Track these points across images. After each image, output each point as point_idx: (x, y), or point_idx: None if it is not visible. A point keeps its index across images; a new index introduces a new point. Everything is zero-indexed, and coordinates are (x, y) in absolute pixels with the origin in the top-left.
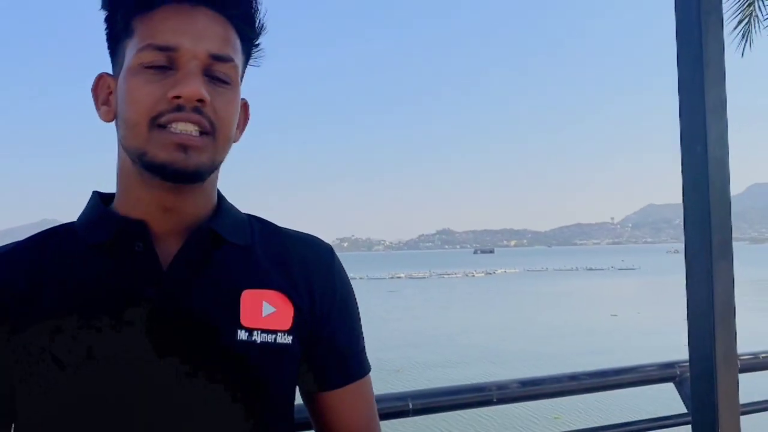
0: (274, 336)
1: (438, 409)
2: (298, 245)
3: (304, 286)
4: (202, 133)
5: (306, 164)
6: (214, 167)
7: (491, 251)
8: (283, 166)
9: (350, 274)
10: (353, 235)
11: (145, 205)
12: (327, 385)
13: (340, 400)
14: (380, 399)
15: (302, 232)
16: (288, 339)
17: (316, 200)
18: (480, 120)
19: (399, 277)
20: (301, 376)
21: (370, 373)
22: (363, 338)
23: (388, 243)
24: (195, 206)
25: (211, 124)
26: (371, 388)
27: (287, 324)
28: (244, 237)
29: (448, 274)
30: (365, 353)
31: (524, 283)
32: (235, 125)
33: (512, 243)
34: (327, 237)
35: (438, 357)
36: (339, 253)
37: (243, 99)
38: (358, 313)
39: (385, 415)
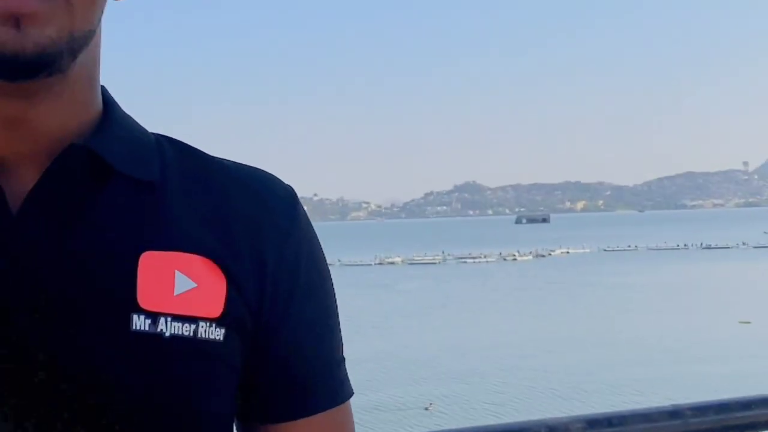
0: (193, 327)
1: None
2: (242, 187)
3: (247, 252)
4: None
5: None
6: (74, 45)
7: (544, 219)
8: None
9: None
10: (315, 195)
11: None
12: (281, 413)
13: None
14: None
15: (249, 166)
16: (218, 333)
17: (256, 141)
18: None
19: (393, 263)
20: (242, 397)
21: (351, 400)
22: (341, 344)
23: (374, 206)
24: (58, 116)
25: None
26: (351, 423)
27: (216, 309)
28: (147, 167)
29: (475, 258)
30: (344, 367)
31: (600, 272)
32: None
33: (579, 205)
34: None
35: (478, 392)
36: None
37: None
38: (335, 304)
39: None
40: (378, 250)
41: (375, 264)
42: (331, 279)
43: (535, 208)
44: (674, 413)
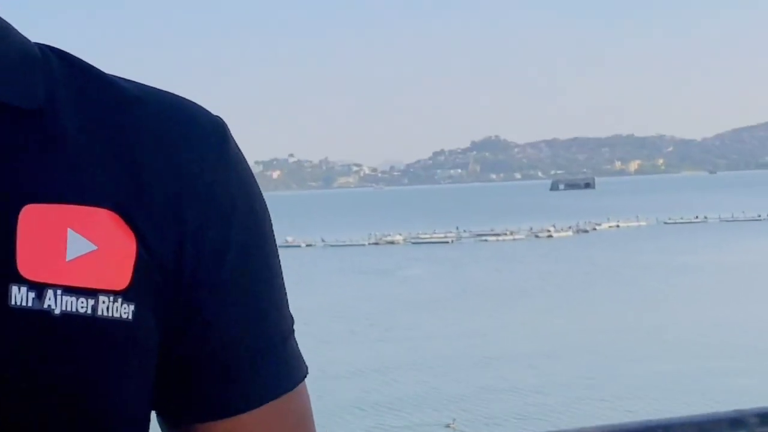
0: (92, 302)
1: None
2: (156, 118)
3: (163, 203)
4: None
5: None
6: None
7: (588, 184)
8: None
9: (287, 237)
10: (291, 156)
11: None
12: (212, 409)
13: None
14: None
15: (165, 93)
16: (125, 310)
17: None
18: None
19: (392, 242)
20: (158, 391)
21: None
22: (287, 315)
23: (367, 170)
24: None
25: None
26: (304, 408)
27: (122, 279)
28: (29, 90)
29: (498, 235)
30: (292, 343)
31: (660, 251)
32: None
33: (632, 165)
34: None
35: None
36: (266, 193)
37: None
38: (278, 266)
39: None
40: (373, 225)
41: (369, 244)
42: (273, 236)
43: (575, 169)
44: (737, 420)
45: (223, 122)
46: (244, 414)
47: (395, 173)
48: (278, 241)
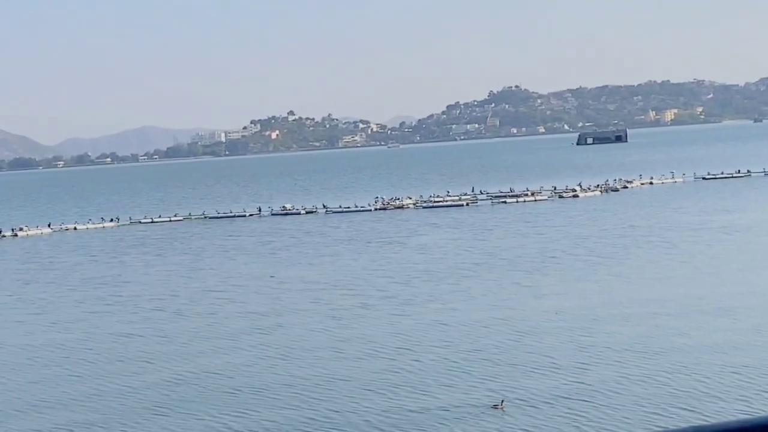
0: None
1: None
2: None
3: None
4: None
5: None
6: None
7: (618, 137)
8: None
9: (285, 204)
10: (291, 114)
11: None
12: None
13: None
14: None
15: None
16: None
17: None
18: None
19: (402, 207)
20: None
21: None
22: None
23: (375, 127)
24: None
25: None
26: None
27: None
28: None
29: (519, 196)
30: None
31: (699, 210)
32: None
33: (668, 115)
34: (238, 119)
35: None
36: (263, 154)
37: None
38: None
39: None
40: (380, 188)
41: (376, 209)
42: None
43: (605, 121)
44: None
45: None
46: None
47: (406, 130)
48: (275, 208)
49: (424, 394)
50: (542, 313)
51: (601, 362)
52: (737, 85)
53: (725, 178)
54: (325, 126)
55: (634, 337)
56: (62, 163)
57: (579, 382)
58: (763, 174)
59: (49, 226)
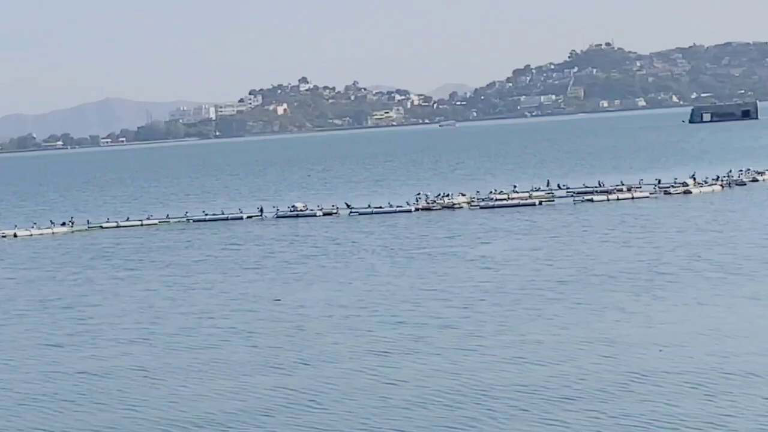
0: None
1: None
2: None
3: None
4: None
5: None
6: None
7: (746, 112)
8: None
9: (295, 203)
10: (305, 82)
11: None
12: None
13: None
14: None
15: None
16: None
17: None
18: None
19: (453, 206)
20: None
21: None
22: None
23: (416, 100)
24: None
25: None
26: None
27: None
28: None
29: (610, 192)
30: None
31: None
32: None
33: None
34: (232, 90)
35: None
36: (265, 136)
37: None
38: None
39: None
40: (422, 182)
41: (418, 209)
42: None
43: (728, 91)
44: None
45: None
46: None
47: (457, 103)
48: (282, 209)
49: None
50: (652, 348)
51: (738, 417)
52: None
53: None
54: (349, 98)
55: None
56: None
57: None
58: None
59: None
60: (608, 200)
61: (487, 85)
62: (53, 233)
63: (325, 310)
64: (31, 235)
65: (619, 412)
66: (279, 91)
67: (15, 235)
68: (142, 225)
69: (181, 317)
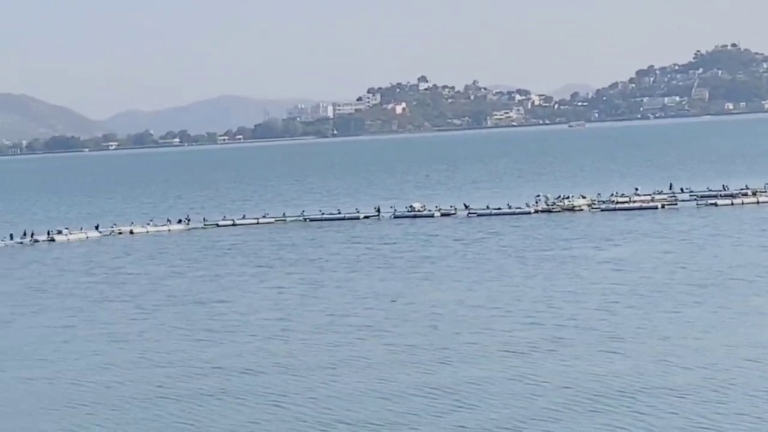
0: None
1: None
2: None
3: None
4: None
5: None
6: None
7: None
8: None
9: (413, 203)
10: (424, 81)
11: None
12: None
13: None
14: None
15: None
16: None
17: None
18: None
19: (573, 209)
20: None
21: None
22: None
23: (537, 100)
24: None
25: None
26: None
27: None
28: None
29: (735, 197)
30: None
31: None
32: None
33: None
34: (351, 88)
35: None
36: (383, 135)
37: None
38: None
39: None
40: (542, 183)
41: (537, 211)
42: None
43: None
44: None
45: None
46: None
47: (579, 104)
48: (399, 209)
49: None
50: None
51: None
52: None
53: None
54: (469, 97)
55: None
56: (115, 143)
57: None
58: None
59: (96, 228)
60: (732, 204)
61: (610, 86)
62: (169, 230)
63: (458, 310)
64: (148, 232)
65: None
66: (398, 90)
67: (131, 232)
68: (258, 223)
69: (314, 314)
